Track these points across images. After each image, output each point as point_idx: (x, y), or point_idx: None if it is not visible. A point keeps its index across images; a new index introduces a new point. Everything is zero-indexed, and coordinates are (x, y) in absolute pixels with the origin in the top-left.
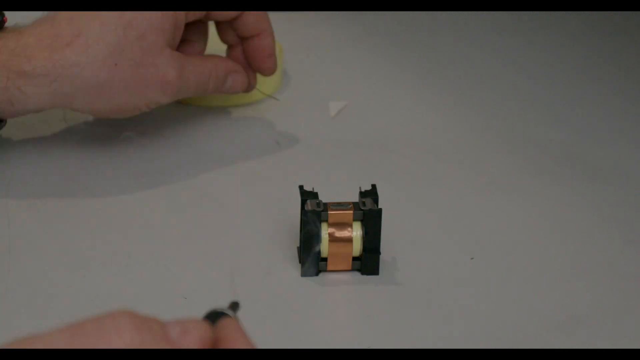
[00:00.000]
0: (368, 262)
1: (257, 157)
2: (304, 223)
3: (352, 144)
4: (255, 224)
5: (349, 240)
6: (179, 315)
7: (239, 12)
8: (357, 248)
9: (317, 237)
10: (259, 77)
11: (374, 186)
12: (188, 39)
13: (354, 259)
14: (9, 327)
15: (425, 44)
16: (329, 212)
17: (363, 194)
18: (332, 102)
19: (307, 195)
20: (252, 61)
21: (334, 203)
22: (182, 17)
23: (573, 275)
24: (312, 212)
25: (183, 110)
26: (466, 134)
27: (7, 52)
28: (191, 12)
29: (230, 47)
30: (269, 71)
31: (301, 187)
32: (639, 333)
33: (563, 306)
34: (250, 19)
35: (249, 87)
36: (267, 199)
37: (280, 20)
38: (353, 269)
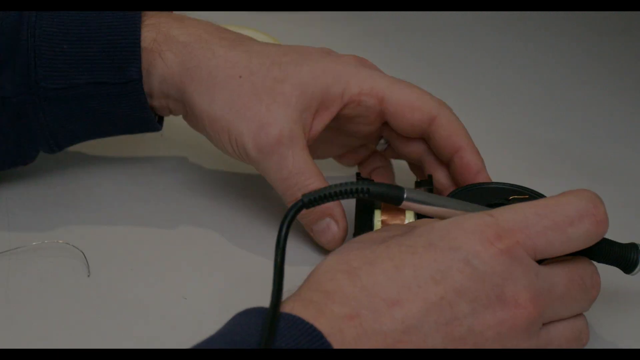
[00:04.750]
0: None
1: None
2: (357, 210)
3: None
4: (257, 223)
5: None
6: (178, 316)
7: (419, 124)
8: None
9: (370, 225)
10: None
11: (430, 176)
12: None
13: None
14: (12, 327)
15: (425, 44)
16: None
17: (418, 184)
18: None
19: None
20: (461, 182)
21: None
22: (334, 98)
23: None
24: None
25: None
26: None
27: (165, 17)
28: (352, 105)
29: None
30: None
31: (358, 174)
32: (639, 333)
33: None
34: (440, 132)
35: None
36: (268, 199)
37: (280, 21)
38: None
